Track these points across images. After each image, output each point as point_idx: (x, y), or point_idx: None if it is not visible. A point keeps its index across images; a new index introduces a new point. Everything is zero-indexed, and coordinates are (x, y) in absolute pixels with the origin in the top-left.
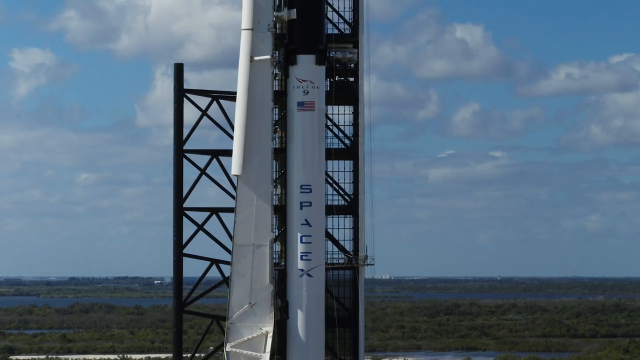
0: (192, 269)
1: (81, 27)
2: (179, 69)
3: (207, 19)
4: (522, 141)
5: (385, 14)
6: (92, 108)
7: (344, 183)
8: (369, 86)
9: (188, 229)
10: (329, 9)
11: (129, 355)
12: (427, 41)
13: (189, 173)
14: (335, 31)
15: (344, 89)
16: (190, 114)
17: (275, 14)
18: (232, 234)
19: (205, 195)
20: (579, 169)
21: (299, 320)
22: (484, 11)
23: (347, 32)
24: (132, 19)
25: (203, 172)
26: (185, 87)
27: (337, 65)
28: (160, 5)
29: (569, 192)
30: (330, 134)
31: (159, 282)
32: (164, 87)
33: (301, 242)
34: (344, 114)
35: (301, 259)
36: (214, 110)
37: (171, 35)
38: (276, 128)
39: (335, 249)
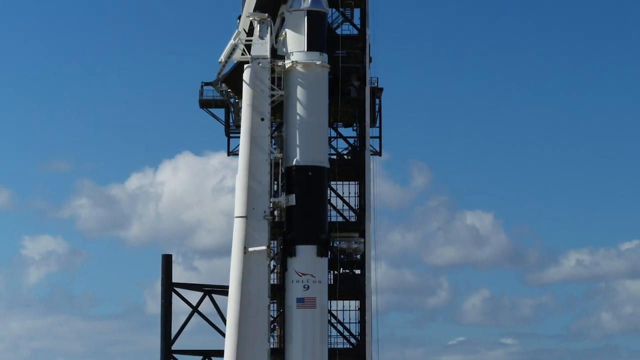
0: None
1: (92, 215)
2: (167, 260)
3: (218, 206)
4: (532, 328)
5: (394, 201)
6: (102, 296)
7: None
8: (376, 275)
9: None
10: (332, 194)
11: None
12: (437, 228)
13: None
14: (340, 218)
15: (349, 282)
16: (183, 307)
17: (272, 200)
18: None
19: None
20: (590, 356)
21: None
22: (494, 198)
23: (352, 219)
24: (144, 206)
25: None
26: (193, 275)
27: (342, 257)
28: (172, 194)
29: None
30: (334, 331)
31: None
32: (174, 275)
33: None
34: (349, 310)
35: None
36: (206, 305)
37: (182, 223)
38: (274, 326)
39: None
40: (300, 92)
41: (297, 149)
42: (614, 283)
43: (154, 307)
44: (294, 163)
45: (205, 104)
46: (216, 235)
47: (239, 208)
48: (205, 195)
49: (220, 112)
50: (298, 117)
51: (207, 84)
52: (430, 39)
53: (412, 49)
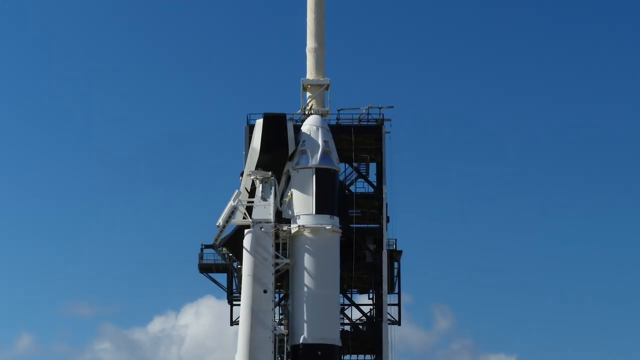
0: None
1: (114, 359)
2: None
3: None
4: None
5: (417, 344)
6: None
7: None
8: None
9: None
10: None
11: None
12: None
13: None
14: None
15: None
16: None
17: None
18: None
19: None
20: None
21: None
22: (517, 342)
23: None
24: (166, 349)
25: None
26: None
27: None
28: (194, 337)
29: None
30: None
31: None
32: None
33: None
34: None
35: None
36: None
37: None
38: None
39: None
40: (308, 261)
41: (305, 325)
42: None
43: None
44: (301, 341)
45: (205, 269)
46: None
47: None
48: (227, 339)
49: (223, 277)
50: (306, 289)
51: (207, 246)
52: (447, 193)
53: (432, 204)
